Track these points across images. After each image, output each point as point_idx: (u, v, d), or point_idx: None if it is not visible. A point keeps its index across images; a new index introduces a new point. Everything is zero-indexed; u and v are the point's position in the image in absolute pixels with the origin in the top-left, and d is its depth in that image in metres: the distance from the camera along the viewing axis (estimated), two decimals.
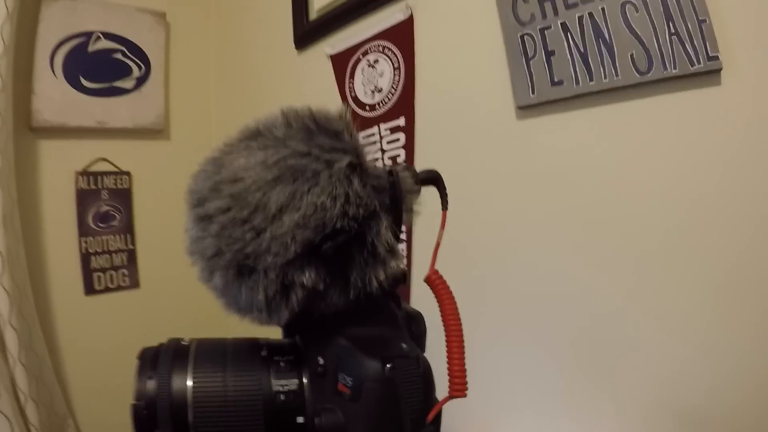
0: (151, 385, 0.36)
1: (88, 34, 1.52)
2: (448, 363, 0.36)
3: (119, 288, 1.56)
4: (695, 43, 0.75)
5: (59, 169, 1.49)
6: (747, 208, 0.71)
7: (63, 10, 1.49)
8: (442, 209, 0.41)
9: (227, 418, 0.36)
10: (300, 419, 0.37)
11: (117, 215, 1.56)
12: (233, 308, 0.37)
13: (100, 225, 1.53)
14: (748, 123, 0.70)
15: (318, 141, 0.35)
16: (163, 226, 1.66)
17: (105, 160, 1.56)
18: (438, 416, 0.35)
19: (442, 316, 0.37)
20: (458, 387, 0.36)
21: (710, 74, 0.74)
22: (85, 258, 1.50)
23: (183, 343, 0.39)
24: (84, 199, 1.50)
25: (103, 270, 1.53)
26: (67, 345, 1.47)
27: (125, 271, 1.57)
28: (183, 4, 1.79)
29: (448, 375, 0.36)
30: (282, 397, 0.37)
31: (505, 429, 0.97)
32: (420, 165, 0.86)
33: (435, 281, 0.39)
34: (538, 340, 0.93)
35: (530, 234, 0.95)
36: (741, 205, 0.71)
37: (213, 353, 0.38)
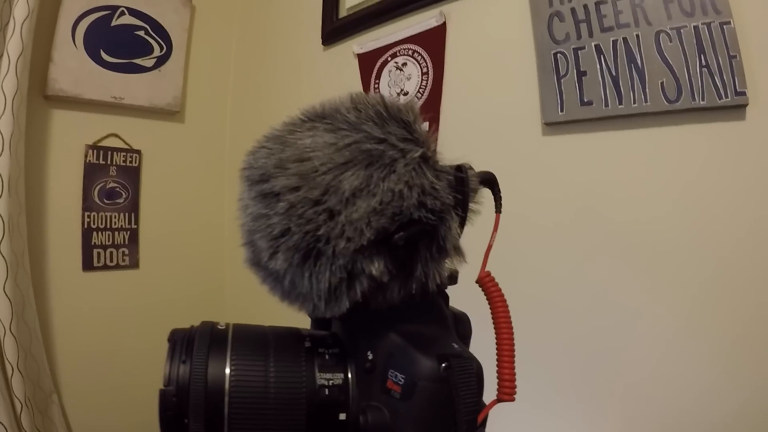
0: (184, 369, 0.33)
1: (113, 8, 1.50)
2: (498, 366, 0.36)
3: (118, 267, 1.53)
4: (724, 77, 0.76)
5: (70, 140, 1.46)
6: (765, 238, 0.71)
7: None
8: (496, 212, 0.41)
9: (266, 411, 0.33)
10: (342, 416, 0.35)
11: (123, 193, 1.53)
12: (285, 294, 0.34)
13: (105, 201, 1.50)
14: None
15: (390, 129, 0.34)
16: (169, 208, 1.65)
17: (117, 136, 1.54)
18: (484, 419, 0.35)
19: (493, 318, 0.37)
20: (507, 391, 0.35)
21: (736, 109, 0.76)
22: (87, 233, 1.47)
23: (219, 327, 0.36)
24: (92, 173, 1.48)
25: (104, 247, 1.50)
26: (59, 319, 1.44)
27: (125, 250, 1.54)
28: None
29: (498, 378, 0.35)
30: (326, 391, 0.34)
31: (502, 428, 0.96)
32: None
33: (487, 283, 0.38)
34: (546, 347, 0.94)
35: (544, 244, 0.96)
36: (760, 235, 0.72)
37: (254, 341, 0.36)
